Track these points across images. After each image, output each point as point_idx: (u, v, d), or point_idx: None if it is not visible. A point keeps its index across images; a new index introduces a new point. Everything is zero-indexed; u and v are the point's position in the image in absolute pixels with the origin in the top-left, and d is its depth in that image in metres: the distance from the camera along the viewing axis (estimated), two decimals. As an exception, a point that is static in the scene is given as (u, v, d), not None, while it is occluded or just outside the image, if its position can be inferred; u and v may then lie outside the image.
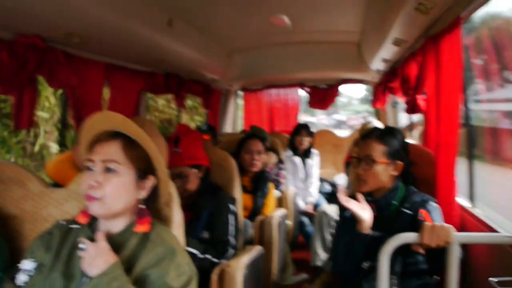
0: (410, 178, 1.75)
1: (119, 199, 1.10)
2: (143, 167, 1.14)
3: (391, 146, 1.66)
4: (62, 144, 2.52)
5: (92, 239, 1.11)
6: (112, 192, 1.08)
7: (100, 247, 1.06)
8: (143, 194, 1.16)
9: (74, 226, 1.20)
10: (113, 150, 1.10)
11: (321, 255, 3.05)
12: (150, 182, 1.16)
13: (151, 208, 1.20)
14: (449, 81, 1.91)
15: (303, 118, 5.64)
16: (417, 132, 3.90)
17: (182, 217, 1.35)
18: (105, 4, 1.94)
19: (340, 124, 19.81)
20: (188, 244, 1.64)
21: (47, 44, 2.10)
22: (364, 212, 1.59)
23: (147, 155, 1.14)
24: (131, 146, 1.12)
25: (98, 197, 1.08)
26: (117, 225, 1.14)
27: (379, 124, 3.26)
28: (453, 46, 1.88)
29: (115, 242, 1.11)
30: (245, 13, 2.97)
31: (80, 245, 1.08)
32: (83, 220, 1.17)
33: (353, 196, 1.64)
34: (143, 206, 1.16)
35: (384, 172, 1.65)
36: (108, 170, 1.09)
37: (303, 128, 3.83)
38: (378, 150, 1.65)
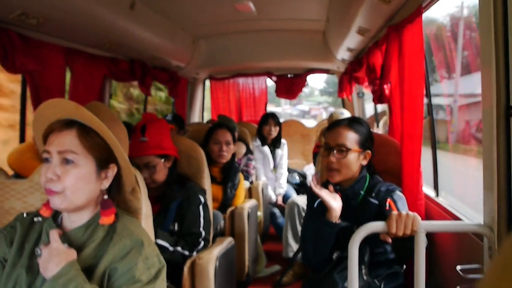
0: (372, 168, 1.76)
1: (81, 192, 1.05)
2: (103, 156, 1.08)
3: (362, 135, 1.66)
4: (22, 133, 2.36)
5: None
6: (72, 184, 1.03)
7: (53, 248, 1.01)
8: (106, 184, 1.10)
9: (37, 219, 1.15)
10: (68, 140, 1.04)
11: (293, 247, 3.06)
12: (111, 171, 1.11)
13: (116, 198, 1.16)
14: (412, 70, 1.94)
15: (268, 108, 5.64)
16: (381, 122, 4.00)
17: (150, 208, 1.31)
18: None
19: (304, 114, 20.10)
20: (158, 237, 1.60)
21: (0, 26, 1.95)
22: (334, 201, 1.59)
23: (106, 143, 1.08)
24: (87, 134, 1.06)
25: (58, 190, 1.02)
26: (82, 218, 1.09)
27: (348, 114, 3.31)
28: (414, 35, 1.90)
29: (80, 236, 1.07)
30: None
31: (37, 252, 1.03)
32: (46, 213, 1.10)
33: (324, 185, 1.64)
34: (107, 197, 1.11)
35: (356, 161, 1.64)
36: (66, 161, 1.03)
37: (271, 118, 3.81)
38: (351, 139, 1.63)
